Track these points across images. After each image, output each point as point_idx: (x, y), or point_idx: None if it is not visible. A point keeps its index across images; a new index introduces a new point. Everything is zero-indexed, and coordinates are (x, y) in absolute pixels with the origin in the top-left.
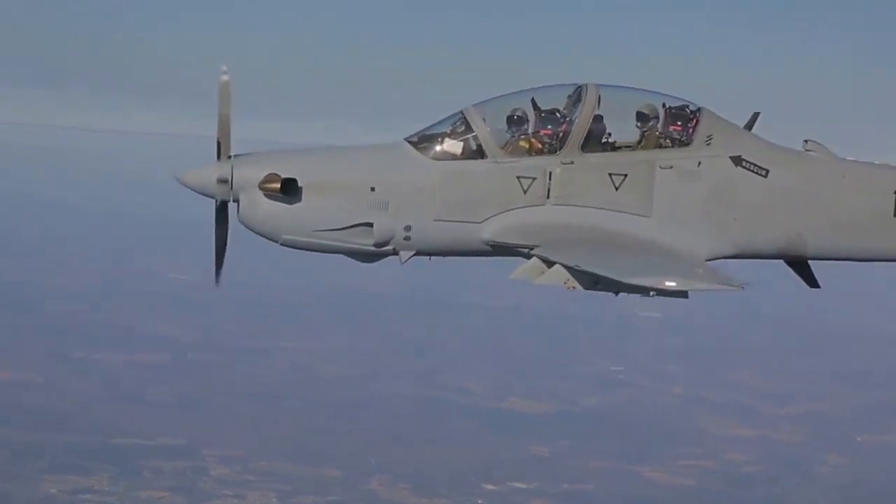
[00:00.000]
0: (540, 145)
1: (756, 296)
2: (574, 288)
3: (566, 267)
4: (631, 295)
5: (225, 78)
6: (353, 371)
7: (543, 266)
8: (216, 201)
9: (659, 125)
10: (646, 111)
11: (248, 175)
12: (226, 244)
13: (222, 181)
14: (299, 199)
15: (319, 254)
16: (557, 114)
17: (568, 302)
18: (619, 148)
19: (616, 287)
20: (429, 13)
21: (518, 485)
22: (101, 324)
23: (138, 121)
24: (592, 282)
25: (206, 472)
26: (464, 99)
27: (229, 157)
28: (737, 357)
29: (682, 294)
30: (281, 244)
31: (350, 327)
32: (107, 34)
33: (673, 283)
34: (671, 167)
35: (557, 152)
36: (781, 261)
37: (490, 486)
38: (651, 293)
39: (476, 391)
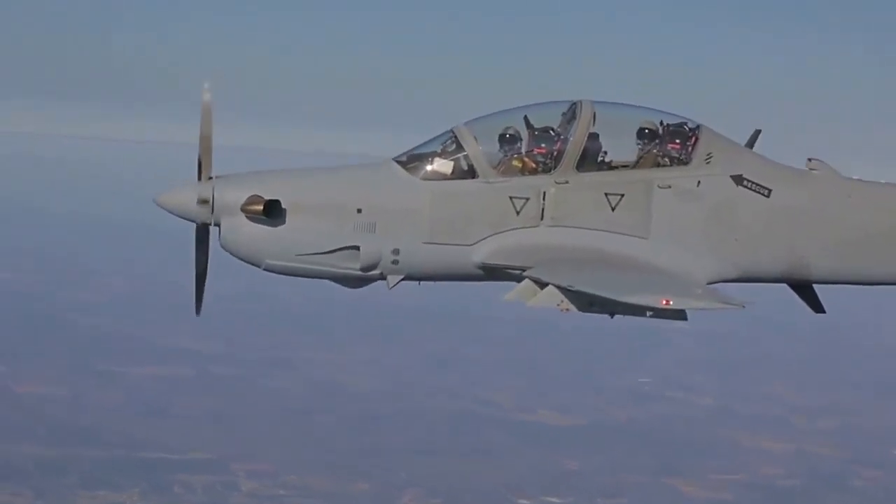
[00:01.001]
0: (533, 164)
1: (783, 307)
2: (568, 310)
3: (559, 288)
4: (627, 317)
5: (207, 96)
6: (380, 385)
7: (537, 288)
8: (196, 225)
9: (657, 143)
10: (643, 128)
11: (230, 197)
12: (206, 270)
13: (203, 203)
14: (283, 222)
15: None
16: (551, 132)
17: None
18: (616, 167)
19: (611, 308)
20: (426, 17)
21: (552, 499)
22: (122, 336)
23: (150, 130)
24: (587, 303)
25: (236, 487)
26: (457, 108)
27: (210, 177)
28: (765, 369)
29: (681, 315)
30: (264, 269)
31: (374, 341)
32: (102, 40)
33: (671, 302)
34: (669, 186)
35: (552, 171)
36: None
37: (524, 501)
38: (648, 313)
39: (505, 404)
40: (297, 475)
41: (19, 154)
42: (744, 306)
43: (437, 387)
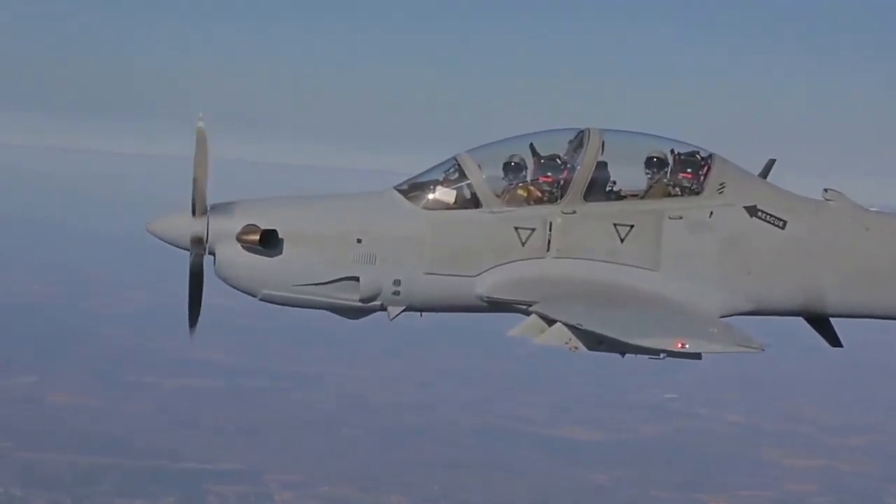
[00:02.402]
0: (539, 194)
1: (807, 325)
2: (576, 349)
3: (568, 325)
4: (639, 357)
5: (201, 125)
6: (407, 399)
7: (544, 324)
8: (190, 254)
9: (667, 173)
10: (653, 157)
11: (226, 226)
12: (200, 299)
13: (197, 233)
14: (280, 252)
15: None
16: (558, 160)
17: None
18: (625, 197)
19: (622, 348)
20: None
21: None
22: (151, 348)
23: (158, 143)
24: (596, 342)
25: (270, 498)
26: (459, 125)
27: (205, 205)
28: (791, 386)
29: (696, 356)
30: (260, 300)
31: (400, 355)
32: (101, 54)
33: (686, 345)
34: (681, 217)
35: (558, 201)
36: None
37: None
38: (661, 355)
39: (532, 419)
40: (329, 486)
41: (42, 169)
42: (763, 349)
43: (462, 401)
